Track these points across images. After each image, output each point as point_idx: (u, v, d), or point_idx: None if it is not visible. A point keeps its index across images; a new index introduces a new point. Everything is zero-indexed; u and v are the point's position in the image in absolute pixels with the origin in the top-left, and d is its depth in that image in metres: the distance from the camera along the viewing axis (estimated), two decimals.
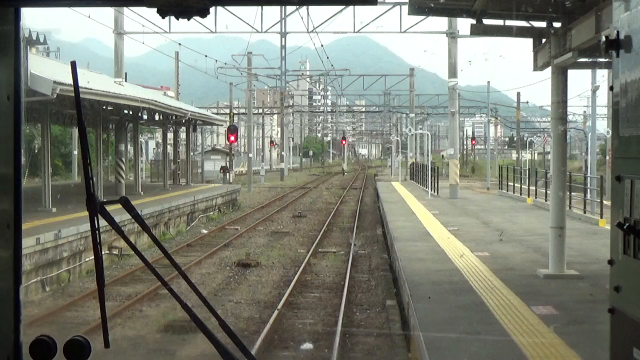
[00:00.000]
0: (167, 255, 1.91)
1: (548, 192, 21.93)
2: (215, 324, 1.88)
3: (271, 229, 25.33)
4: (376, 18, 48.95)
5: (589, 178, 28.64)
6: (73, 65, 1.81)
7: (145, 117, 30.13)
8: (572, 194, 24.78)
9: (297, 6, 28.88)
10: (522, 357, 7.84)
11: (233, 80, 54.03)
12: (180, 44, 39.64)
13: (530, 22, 14.14)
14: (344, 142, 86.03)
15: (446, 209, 26.81)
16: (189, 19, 1.49)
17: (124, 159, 30.00)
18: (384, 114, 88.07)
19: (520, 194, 32.01)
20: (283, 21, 41.84)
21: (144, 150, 53.70)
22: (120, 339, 10.75)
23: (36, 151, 33.64)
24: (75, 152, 42.53)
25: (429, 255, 15.28)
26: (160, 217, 23.09)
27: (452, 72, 33.07)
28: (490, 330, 9.03)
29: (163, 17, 1.49)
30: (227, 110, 56.56)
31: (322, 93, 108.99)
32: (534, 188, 30.30)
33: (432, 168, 36.99)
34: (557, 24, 13.03)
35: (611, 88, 2.65)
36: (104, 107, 25.28)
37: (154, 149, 62.88)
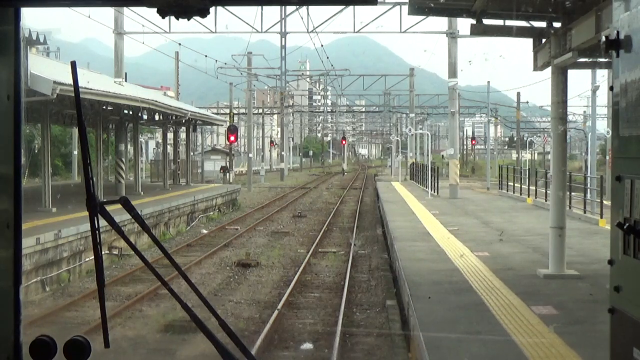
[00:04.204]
0: (167, 255, 1.91)
1: (548, 192, 21.94)
2: (215, 324, 1.88)
3: (271, 229, 25.33)
4: (376, 18, 49.01)
5: (589, 178, 28.66)
6: (73, 65, 1.81)
7: (145, 117, 30.12)
8: (572, 194, 24.78)
9: (297, 6, 28.89)
10: (522, 357, 7.84)
11: (233, 80, 54.07)
12: (180, 44, 39.66)
13: (530, 22, 14.14)
14: (344, 142, 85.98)
15: (446, 209, 26.81)
16: (189, 19, 1.49)
17: (124, 159, 29.99)
18: (384, 114, 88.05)
19: (520, 194, 32.01)
20: (283, 21, 41.86)
21: (144, 150, 53.69)
22: (120, 339, 10.74)
23: (36, 151, 33.62)
24: (75, 152, 42.53)
25: (429, 255, 15.28)
26: (160, 217, 23.09)
27: (452, 72, 33.07)
28: (491, 330, 9.03)
29: (163, 17, 1.49)
30: (227, 110, 56.56)
31: (322, 93, 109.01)
32: (534, 188, 30.30)
33: (432, 168, 36.99)
34: (557, 24, 13.03)
35: (611, 88, 2.65)
36: (104, 107, 25.28)
37: (154, 149, 62.86)
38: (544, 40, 13.77)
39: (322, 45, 41.38)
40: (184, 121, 34.05)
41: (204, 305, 1.88)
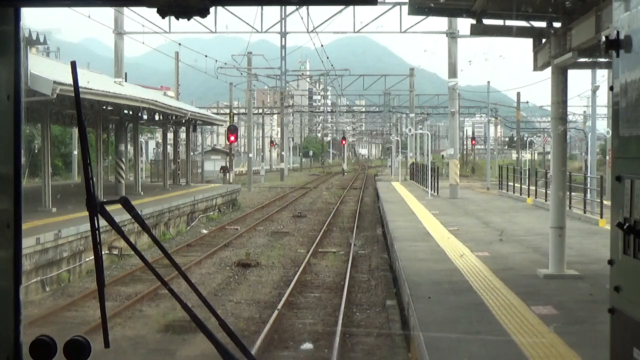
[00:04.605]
0: (167, 255, 1.91)
1: (548, 192, 21.93)
2: (215, 324, 1.88)
3: (271, 229, 25.32)
4: (376, 18, 48.95)
5: (589, 178, 28.65)
6: (73, 65, 1.81)
7: (145, 117, 30.13)
8: (572, 194, 24.78)
9: (297, 6, 28.88)
10: (522, 357, 7.84)
11: (233, 80, 54.07)
12: (180, 44, 39.66)
13: (530, 22, 14.14)
14: (344, 142, 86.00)
15: (446, 209, 26.81)
16: (189, 19, 1.49)
17: (124, 159, 29.99)
18: (384, 114, 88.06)
19: (520, 194, 32.02)
20: (283, 21, 41.86)
21: (144, 150, 53.68)
22: (120, 339, 10.74)
23: (36, 151, 33.62)
24: (75, 152, 42.54)
25: (429, 255, 15.28)
26: (160, 217, 23.09)
27: (452, 72, 33.08)
28: (490, 330, 9.03)
29: (163, 17, 1.49)
30: (227, 110, 56.56)
31: (322, 93, 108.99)
32: (534, 188, 30.30)
33: (432, 168, 36.99)
34: (557, 24, 13.03)
35: (611, 88, 2.65)
36: (104, 107, 25.27)
37: (154, 149, 62.86)
38: (544, 40, 13.76)
39: (322, 45, 41.42)
40: (184, 121, 34.04)
41: (204, 305, 1.88)
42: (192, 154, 43.81)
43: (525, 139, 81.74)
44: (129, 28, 34.70)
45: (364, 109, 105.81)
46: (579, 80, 27.79)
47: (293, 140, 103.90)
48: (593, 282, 11.94)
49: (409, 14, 15.39)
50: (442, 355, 8.10)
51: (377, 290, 14.81)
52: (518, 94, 65.31)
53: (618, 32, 2.53)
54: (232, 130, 47.92)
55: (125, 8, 31.87)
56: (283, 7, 36.41)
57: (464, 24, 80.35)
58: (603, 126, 62.47)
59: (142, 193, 28.15)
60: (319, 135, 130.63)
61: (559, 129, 13.43)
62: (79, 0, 2.53)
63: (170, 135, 37.31)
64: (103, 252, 2.49)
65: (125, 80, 33.58)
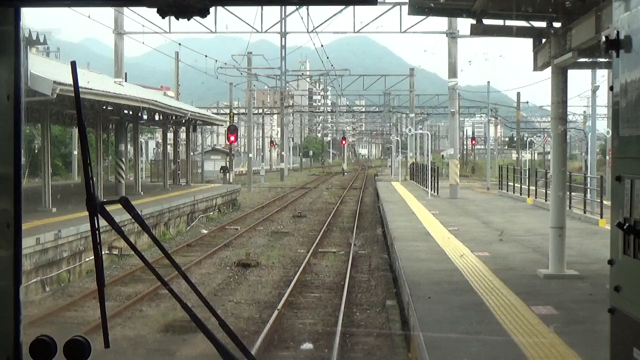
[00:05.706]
0: (167, 255, 1.91)
1: (548, 192, 21.94)
2: (215, 324, 1.88)
3: (271, 229, 25.32)
4: (376, 18, 48.99)
5: (589, 178, 28.67)
6: (73, 65, 1.81)
7: (145, 117, 30.12)
8: (572, 194, 24.78)
9: (297, 6, 28.90)
10: (522, 357, 7.84)
11: (233, 80, 54.06)
12: (180, 44, 39.67)
13: (530, 22, 14.14)
14: (344, 142, 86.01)
15: (446, 209, 26.81)
16: (189, 19, 1.49)
17: (124, 159, 29.99)
18: (384, 114, 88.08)
19: (520, 194, 32.02)
20: (283, 21, 41.87)
21: (144, 150, 53.67)
22: (120, 339, 10.75)
23: (36, 151, 33.63)
24: (75, 152, 42.55)
25: (429, 255, 15.28)
26: (160, 217, 23.09)
27: (452, 72, 33.09)
28: (490, 330, 9.03)
29: (163, 17, 1.49)
30: (227, 110, 56.56)
31: (322, 93, 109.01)
32: (534, 188, 30.30)
33: (432, 168, 37.00)
34: (557, 24, 13.03)
35: (611, 88, 2.65)
36: (104, 107, 25.28)
37: (154, 149, 62.86)
38: (544, 40, 13.76)
39: (322, 45, 41.40)
40: (184, 121, 34.05)
41: (204, 305, 1.88)
42: (192, 154, 43.81)
43: (525, 139, 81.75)
44: (129, 28, 34.74)
45: (364, 109, 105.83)
46: (579, 80, 27.83)
47: (293, 140, 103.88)
48: (593, 282, 11.94)
49: (409, 14, 15.40)
50: (442, 355, 8.10)
51: (377, 290, 14.81)
52: (518, 94, 65.28)
53: (618, 32, 2.53)
54: (232, 130, 47.94)
55: (125, 8, 31.88)
56: (283, 7, 36.43)
57: (464, 24, 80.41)
58: (603, 126, 62.52)
59: (142, 193, 28.15)
60: (319, 135, 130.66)
61: (559, 129, 13.43)
62: (79, 0, 2.53)
63: (170, 135, 37.32)
64: (103, 252, 2.49)
65: (125, 80, 33.59)
